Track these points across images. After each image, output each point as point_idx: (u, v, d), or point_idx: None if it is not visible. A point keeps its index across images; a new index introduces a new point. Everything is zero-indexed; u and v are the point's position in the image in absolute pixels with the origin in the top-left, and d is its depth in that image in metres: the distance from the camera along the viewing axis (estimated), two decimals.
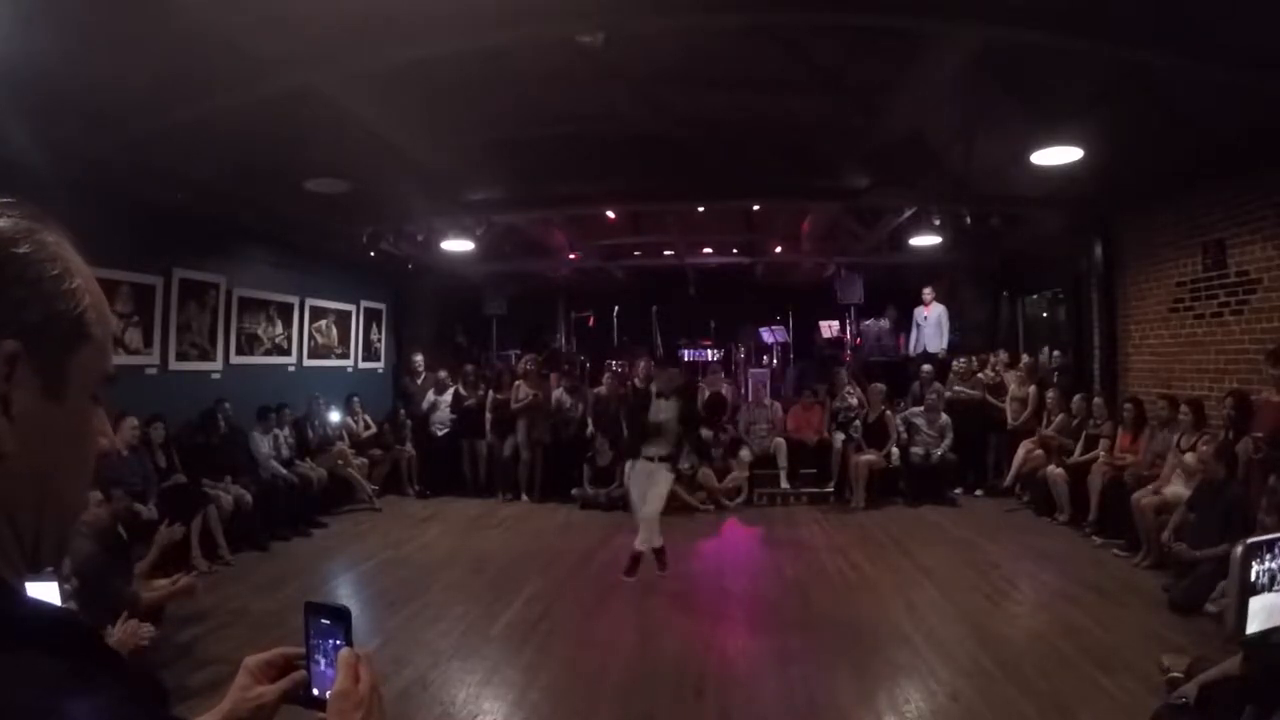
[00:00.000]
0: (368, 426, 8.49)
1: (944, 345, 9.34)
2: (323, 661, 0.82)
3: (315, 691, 0.82)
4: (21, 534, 0.53)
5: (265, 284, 7.77)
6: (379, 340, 10.00)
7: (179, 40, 3.46)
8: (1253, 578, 1.78)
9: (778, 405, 8.58)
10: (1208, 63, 3.82)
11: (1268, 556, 1.81)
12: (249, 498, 6.07)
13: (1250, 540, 1.84)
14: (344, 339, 9.24)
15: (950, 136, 5.74)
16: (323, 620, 0.83)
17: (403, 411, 9.05)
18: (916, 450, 7.85)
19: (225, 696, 0.81)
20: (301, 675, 0.83)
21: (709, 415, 8.37)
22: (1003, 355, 8.55)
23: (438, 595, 5.00)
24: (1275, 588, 1.81)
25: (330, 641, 0.82)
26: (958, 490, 7.92)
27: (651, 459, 5.27)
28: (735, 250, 10.71)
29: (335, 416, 8.02)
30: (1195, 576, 4.40)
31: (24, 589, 0.54)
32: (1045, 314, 9.67)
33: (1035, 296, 9.81)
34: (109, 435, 0.63)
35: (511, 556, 5.95)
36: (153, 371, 6.23)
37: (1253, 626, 1.81)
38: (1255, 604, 1.79)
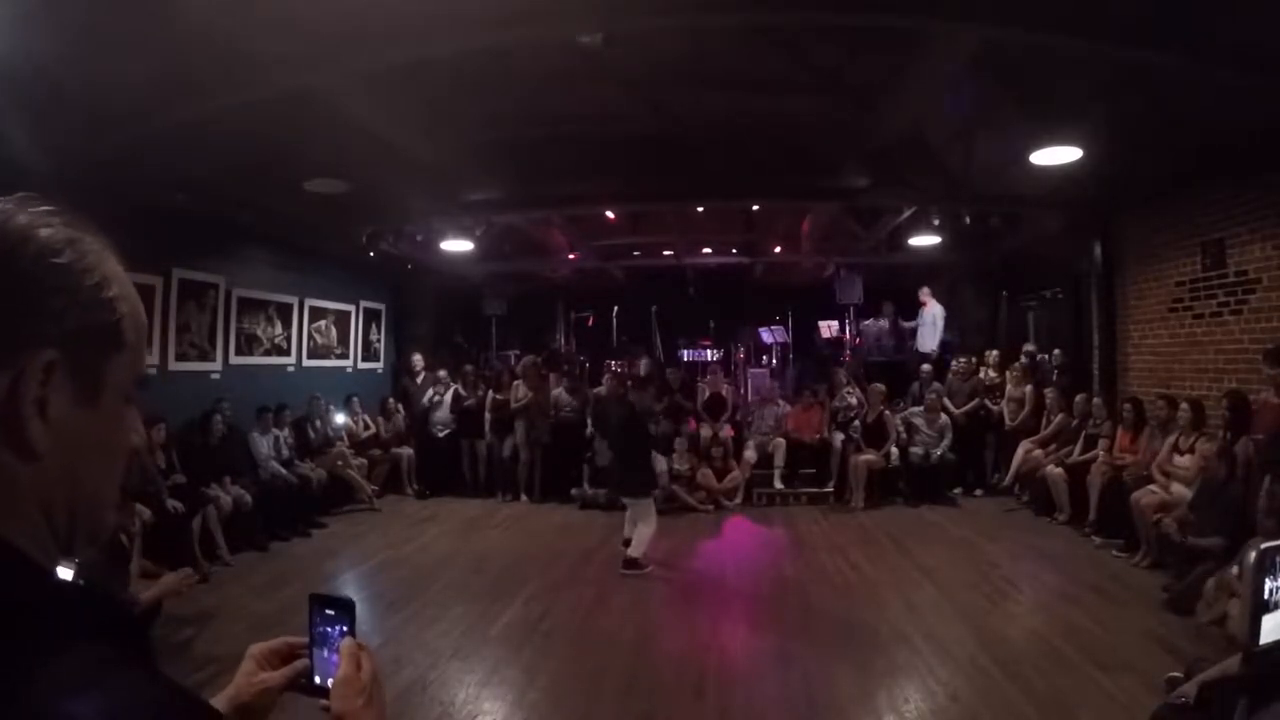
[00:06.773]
0: (367, 427, 8.50)
1: (935, 345, 9.33)
2: (326, 650, 0.86)
3: (317, 679, 0.86)
4: (56, 527, 0.56)
5: (264, 284, 7.76)
6: (378, 340, 9.99)
7: (179, 40, 3.46)
8: (1266, 595, 1.76)
9: (784, 404, 8.58)
10: (1208, 63, 3.82)
11: None
12: (248, 498, 6.08)
13: (1265, 545, 1.81)
14: (343, 339, 9.23)
15: (950, 136, 5.74)
16: (328, 610, 0.88)
17: (400, 409, 9.04)
18: (916, 450, 7.86)
19: (231, 683, 0.84)
20: (304, 663, 0.87)
21: (709, 414, 8.40)
22: (992, 356, 8.55)
23: (437, 595, 4.99)
24: None
25: (336, 628, 0.86)
26: (957, 490, 7.92)
27: None
28: (735, 250, 10.71)
29: (340, 419, 8.04)
30: (1194, 577, 4.39)
31: (56, 575, 0.57)
32: (1045, 314, 9.66)
33: (1035, 296, 9.81)
34: (140, 432, 0.65)
35: (511, 556, 5.95)
36: (152, 372, 6.22)
37: (1264, 640, 1.79)
38: (1268, 621, 1.77)
